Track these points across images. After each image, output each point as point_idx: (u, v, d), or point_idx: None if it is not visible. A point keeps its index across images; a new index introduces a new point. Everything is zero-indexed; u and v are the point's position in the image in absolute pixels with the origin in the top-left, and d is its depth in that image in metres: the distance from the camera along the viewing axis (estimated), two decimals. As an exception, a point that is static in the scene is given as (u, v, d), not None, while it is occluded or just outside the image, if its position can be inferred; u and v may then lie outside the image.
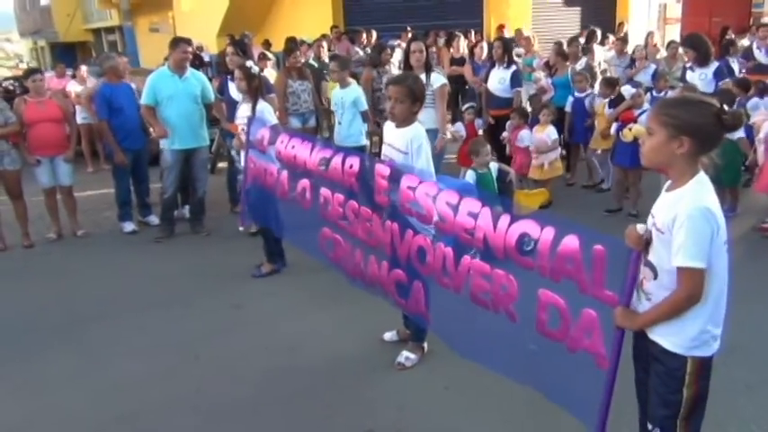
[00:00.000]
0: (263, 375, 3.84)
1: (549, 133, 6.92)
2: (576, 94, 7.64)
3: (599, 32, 11.42)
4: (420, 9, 13.43)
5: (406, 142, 3.55)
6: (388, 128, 3.75)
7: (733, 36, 15.42)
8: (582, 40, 10.10)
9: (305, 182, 3.84)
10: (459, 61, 10.22)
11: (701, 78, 6.62)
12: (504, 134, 7.27)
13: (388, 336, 4.14)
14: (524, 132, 7.02)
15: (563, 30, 14.35)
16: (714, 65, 6.71)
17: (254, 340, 4.26)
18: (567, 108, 7.71)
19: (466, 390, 3.58)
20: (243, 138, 4.81)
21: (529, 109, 7.68)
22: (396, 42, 10.62)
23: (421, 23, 12.22)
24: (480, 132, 7.88)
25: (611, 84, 7.54)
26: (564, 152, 7.71)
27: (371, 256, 3.53)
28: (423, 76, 5.84)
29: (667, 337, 2.21)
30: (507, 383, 3.25)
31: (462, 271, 2.94)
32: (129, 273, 5.62)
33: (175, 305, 4.87)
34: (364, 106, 6.19)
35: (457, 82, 9.81)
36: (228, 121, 6.25)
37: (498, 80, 7.37)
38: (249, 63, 5.98)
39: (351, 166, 3.47)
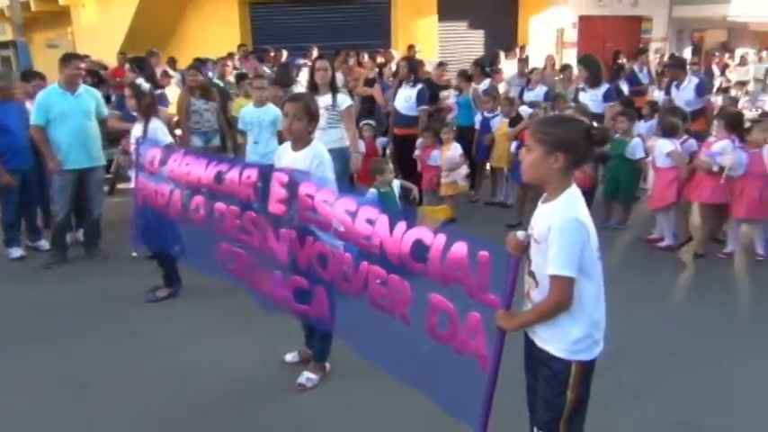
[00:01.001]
0: (158, 404, 3.67)
1: (454, 149, 7.09)
2: (486, 114, 7.87)
3: (502, 54, 11.87)
4: (329, 29, 13.48)
5: (307, 161, 3.53)
6: (285, 151, 3.72)
7: (625, 60, 16.44)
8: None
9: (198, 199, 3.75)
10: (371, 81, 10.33)
11: (591, 99, 6.95)
12: (417, 152, 7.39)
13: (290, 357, 4.06)
14: (436, 152, 7.16)
15: (468, 52, 14.80)
16: (605, 87, 7.06)
17: (148, 368, 4.07)
18: (477, 126, 7.94)
19: (366, 409, 3.56)
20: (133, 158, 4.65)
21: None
22: (302, 61, 10.60)
23: (330, 43, 12.26)
24: (387, 151, 7.99)
25: (511, 102, 7.84)
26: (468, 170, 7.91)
27: (267, 266, 3.50)
28: (329, 96, 5.90)
29: (552, 344, 2.33)
30: (407, 402, 3.27)
31: (361, 276, 2.99)
32: (14, 302, 5.26)
33: (65, 335, 4.59)
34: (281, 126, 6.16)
35: (368, 101, 9.89)
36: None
37: (404, 99, 7.48)
38: (139, 80, 5.80)
39: (248, 177, 3.44)
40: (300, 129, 3.56)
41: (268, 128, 6.13)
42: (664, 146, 5.99)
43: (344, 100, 5.99)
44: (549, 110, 7.45)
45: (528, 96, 9.12)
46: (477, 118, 8.00)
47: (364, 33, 13.61)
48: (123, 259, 5.96)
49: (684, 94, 7.72)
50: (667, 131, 6.11)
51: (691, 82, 7.82)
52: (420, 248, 2.59)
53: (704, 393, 3.66)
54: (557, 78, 10.48)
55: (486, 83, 8.76)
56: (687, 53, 21.01)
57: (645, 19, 19.46)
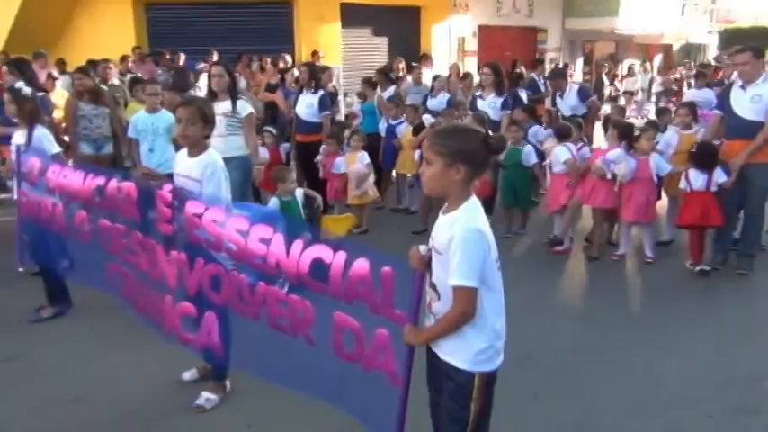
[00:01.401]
0: (41, 435, 3.38)
1: (361, 159, 7.04)
2: (390, 121, 7.88)
3: (403, 63, 11.99)
4: (230, 33, 13.12)
5: (201, 170, 3.38)
6: (181, 158, 3.56)
7: (523, 69, 17.03)
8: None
9: (82, 214, 3.49)
10: (273, 87, 10.12)
11: (490, 107, 7.10)
12: (319, 157, 7.29)
13: (188, 375, 3.86)
14: (340, 160, 7.09)
15: (372, 59, 14.86)
16: (503, 95, 7.23)
17: (31, 395, 3.74)
18: (382, 133, 7.94)
19: (269, 427, 3.43)
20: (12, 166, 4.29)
21: None
22: (202, 65, 10.26)
23: (231, 47, 11.93)
24: (291, 158, 7.85)
25: (416, 110, 7.90)
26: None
27: (155, 290, 3.32)
28: (228, 103, 5.69)
29: (455, 356, 2.30)
30: (311, 418, 3.16)
31: (258, 298, 2.87)
32: None
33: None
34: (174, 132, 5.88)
35: (271, 108, 9.69)
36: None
37: (306, 105, 7.37)
38: (19, 84, 5.38)
39: (128, 194, 3.23)
40: (195, 134, 3.42)
41: (163, 135, 5.87)
42: (561, 153, 6.22)
43: (245, 107, 5.77)
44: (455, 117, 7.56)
45: (431, 104, 9.24)
46: (382, 125, 8.01)
47: (266, 38, 13.35)
48: (7, 276, 5.50)
49: (568, 101, 8.07)
50: (561, 136, 6.35)
51: (572, 89, 8.18)
52: (320, 267, 2.51)
53: (603, 393, 3.78)
54: (460, 87, 10.69)
55: (390, 90, 8.79)
56: (579, 63, 22.12)
57: (540, 30, 20.30)
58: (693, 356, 4.23)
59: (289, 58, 11.58)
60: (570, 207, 6.26)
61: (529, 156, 6.65)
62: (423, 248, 2.33)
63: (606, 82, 20.49)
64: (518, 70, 16.89)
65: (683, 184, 5.69)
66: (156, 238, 3.29)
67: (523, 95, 9.59)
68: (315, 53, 13.12)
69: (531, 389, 3.80)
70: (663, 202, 6.77)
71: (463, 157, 2.20)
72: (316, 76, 7.48)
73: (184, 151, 3.55)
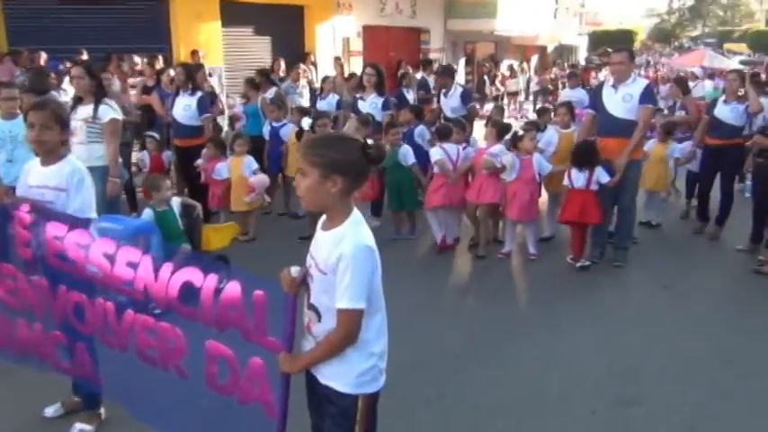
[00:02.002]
0: None
1: (247, 164, 6.75)
2: (274, 123, 7.64)
3: (283, 63, 11.74)
4: (98, 31, 12.25)
5: (63, 178, 3.08)
6: (33, 167, 3.22)
7: (409, 69, 17.21)
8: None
9: None
10: (150, 89, 9.55)
11: (372, 107, 7.03)
12: (199, 161, 6.94)
13: (51, 411, 3.48)
14: (221, 165, 6.77)
15: (254, 59, 14.44)
16: (384, 96, 7.17)
17: None
18: (266, 136, 7.68)
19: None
20: None
21: None
22: (65, 66, 9.51)
23: (101, 46, 11.16)
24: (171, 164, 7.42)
25: (302, 112, 7.70)
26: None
27: (20, 320, 2.97)
28: (90, 107, 5.26)
29: (337, 380, 2.17)
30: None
31: (125, 326, 2.61)
32: None
33: None
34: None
35: (148, 111, 9.14)
36: None
37: (183, 107, 6.99)
38: None
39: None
40: (52, 139, 3.12)
41: (23, 143, 5.31)
42: (434, 154, 6.25)
43: (106, 112, 5.26)
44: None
45: (321, 105, 9.09)
46: (266, 128, 7.75)
47: (141, 37, 12.60)
48: None
49: (451, 102, 8.18)
50: (442, 136, 6.38)
51: (456, 90, 8.32)
52: (190, 291, 2.29)
53: (492, 396, 3.78)
54: (345, 87, 10.60)
55: (271, 91, 8.52)
56: (461, 63, 22.69)
57: (423, 31, 20.62)
58: (576, 353, 4.34)
59: (168, 59, 10.97)
60: (479, 213, 6.34)
61: (406, 156, 6.63)
62: (294, 270, 2.17)
63: (487, 82, 21.20)
64: (403, 70, 17.19)
65: (566, 182, 5.87)
66: (16, 263, 2.94)
67: (409, 96, 9.65)
68: (194, 52, 12.55)
69: (422, 395, 3.74)
70: (543, 199, 6.99)
71: (340, 168, 2.05)
72: (192, 76, 7.11)
73: (36, 161, 3.21)
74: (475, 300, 5.38)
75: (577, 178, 5.77)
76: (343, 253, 2.03)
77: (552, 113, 7.73)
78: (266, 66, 12.30)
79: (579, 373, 4.06)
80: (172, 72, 9.03)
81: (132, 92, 8.64)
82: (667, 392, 3.82)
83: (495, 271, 5.97)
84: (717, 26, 66.56)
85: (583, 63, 30.09)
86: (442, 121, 7.44)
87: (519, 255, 6.33)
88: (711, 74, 16.83)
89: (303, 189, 2.12)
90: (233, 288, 2.20)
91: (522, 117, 17.36)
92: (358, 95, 7.36)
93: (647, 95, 5.71)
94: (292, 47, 15.68)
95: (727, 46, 57.07)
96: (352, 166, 2.07)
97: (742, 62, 38.77)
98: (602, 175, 5.68)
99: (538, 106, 16.33)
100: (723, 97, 6.83)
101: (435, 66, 17.94)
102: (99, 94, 5.28)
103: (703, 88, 13.97)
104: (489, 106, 19.67)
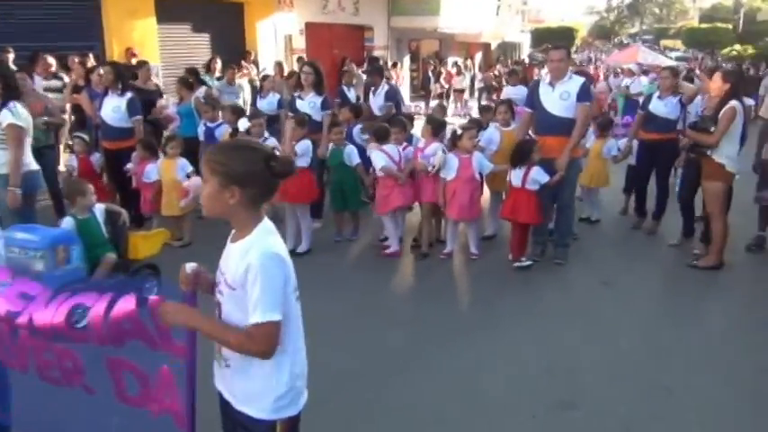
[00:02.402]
0: None
1: (181, 167, 6.49)
2: (208, 123, 7.38)
3: (219, 61, 11.43)
4: (26, 28, 11.69)
5: None
6: None
7: (353, 66, 17.05)
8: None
9: None
10: (80, 89, 9.10)
11: (310, 106, 6.85)
12: (129, 165, 6.64)
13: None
14: (151, 167, 6.49)
15: (192, 57, 14.03)
16: (323, 94, 6.99)
17: None
18: (201, 137, 7.41)
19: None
20: None
21: None
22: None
23: (27, 44, 10.62)
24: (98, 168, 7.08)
25: (236, 112, 7.45)
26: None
27: None
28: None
29: (252, 405, 2.02)
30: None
31: (23, 346, 2.38)
32: None
33: None
34: None
35: (79, 111, 8.74)
36: None
37: (112, 109, 6.67)
38: None
39: None
40: None
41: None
42: (378, 159, 6.11)
43: (5, 117, 4.79)
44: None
45: (261, 105, 8.86)
46: (201, 128, 7.49)
47: (71, 34, 12.07)
48: None
49: (378, 100, 8.10)
50: (380, 137, 6.25)
51: (383, 88, 8.22)
52: (78, 313, 2.11)
53: (433, 402, 3.68)
54: (285, 86, 10.38)
55: (201, 90, 8.23)
56: (406, 61, 22.66)
57: (367, 28, 20.49)
58: (517, 354, 4.29)
59: (101, 57, 10.52)
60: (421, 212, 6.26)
61: (351, 156, 6.49)
62: (189, 267, 2.06)
63: (432, 79, 21.24)
64: (346, 68, 17.03)
65: (509, 179, 5.84)
66: None
67: (350, 94, 9.50)
68: (129, 50, 12.15)
69: (359, 403, 3.61)
70: (486, 196, 6.95)
71: (239, 180, 1.91)
72: (122, 76, 6.79)
73: None
74: (416, 301, 5.28)
75: (515, 176, 5.74)
76: (250, 263, 1.89)
77: (494, 111, 7.69)
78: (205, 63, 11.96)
79: (520, 375, 4.00)
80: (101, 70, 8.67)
81: (50, 95, 8.19)
82: (606, 393, 3.80)
83: (436, 271, 5.89)
84: (653, 23, 68.81)
85: (526, 60, 30.54)
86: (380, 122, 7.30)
87: (461, 254, 6.27)
88: (647, 70, 17.20)
89: (204, 197, 1.98)
90: (127, 302, 2.05)
91: (466, 115, 17.44)
92: (296, 94, 7.14)
93: (585, 93, 5.72)
94: (232, 44, 15.33)
95: (663, 42, 59.04)
96: (254, 177, 1.93)
97: (677, 58, 40.14)
98: (539, 175, 5.65)
99: (482, 103, 16.41)
100: (657, 93, 6.92)
101: (383, 63, 17.98)
102: (7, 96, 4.90)
103: (640, 84, 14.27)
104: (434, 103, 19.87)
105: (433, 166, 5.89)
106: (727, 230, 5.79)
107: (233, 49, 15.16)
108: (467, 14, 22.84)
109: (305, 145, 6.11)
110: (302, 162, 6.06)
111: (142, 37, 12.93)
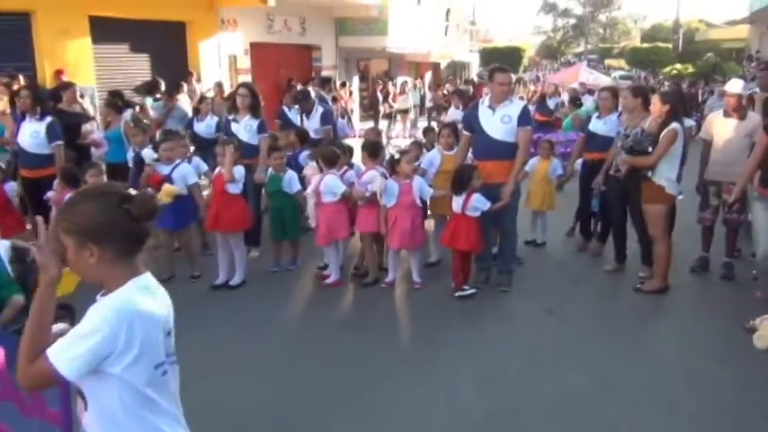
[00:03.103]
0: None
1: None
2: (137, 149, 6.98)
3: (162, 83, 11.05)
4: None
5: None
6: None
7: (299, 86, 16.77)
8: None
9: None
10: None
11: (246, 130, 6.55)
12: (50, 194, 6.22)
13: None
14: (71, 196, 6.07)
15: (132, 78, 13.59)
16: (259, 118, 6.68)
17: None
18: (130, 163, 7.01)
19: None
20: None
21: None
22: None
23: (-47, 66, 10.09)
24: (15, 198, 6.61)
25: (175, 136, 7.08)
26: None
27: None
28: None
29: None
30: None
31: None
32: None
33: None
34: None
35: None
36: None
37: (30, 134, 6.25)
38: None
39: None
40: None
41: None
42: (334, 184, 5.82)
43: None
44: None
45: (198, 128, 8.52)
46: (130, 154, 7.09)
47: (1, 55, 11.53)
48: None
49: (312, 124, 7.90)
50: (329, 162, 5.96)
51: (317, 111, 8.04)
52: None
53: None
54: (225, 108, 10.03)
55: (127, 113, 7.84)
56: (355, 80, 22.54)
57: (314, 48, 20.30)
58: (456, 393, 4.05)
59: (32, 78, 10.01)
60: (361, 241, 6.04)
61: (291, 183, 6.21)
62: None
63: (380, 98, 21.13)
64: (295, 88, 16.74)
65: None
66: None
67: (291, 114, 9.17)
68: (59, 72, 11.64)
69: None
70: (430, 223, 6.76)
71: (92, 235, 1.64)
72: (40, 100, 6.38)
73: None
74: (354, 336, 4.98)
75: (455, 202, 5.54)
76: (97, 305, 1.64)
77: (438, 134, 7.52)
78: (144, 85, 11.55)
79: (460, 419, 3.76)
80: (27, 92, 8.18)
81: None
82: (550, 434, 3.59)
83: (377, 302, 5.64)
84: (598, 43, 70.73)
85: (476, 79, 30.83)
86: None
87: (404, 283, 6.03)
88: (591, 90, 17.39)
89: (69, 263, 1.69)
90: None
91: (410, 136, 17.19)
92: (231, 117, 6.80)
93: (526, 117, 5.59)
94: (174, 65, 14.89)
95: (608, 62, 60.70)
96: (109, 228, 1.65)
97: (621, 77, 41.22)
98: (480, 203, 5.45)
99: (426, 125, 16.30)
100: (597, 113, 6.87)
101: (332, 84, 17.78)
102: None
103: (585, 103, 14.39)
104: (384, 123, 19.74)
105: (372, 193, 5.66)
106: (671, 253, 5.71)
107: (175, 69, 14.71)
108: (415, 34, 22.91)
109: (237, 171, 5.80)
110: (234, 189, 5.77)
111: (76, 57, 12.43)
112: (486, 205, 5.44)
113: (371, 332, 5.01)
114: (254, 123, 6.56)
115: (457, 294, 5.59)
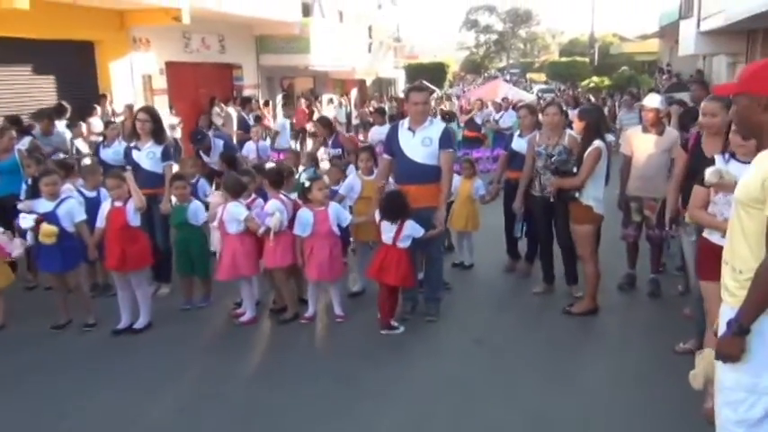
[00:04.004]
0: None
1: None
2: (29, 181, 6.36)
3: (68, 106, 10.34)
4: None
5: None
6: None
7: (221, 105, 16.24)
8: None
9: None
10: None
11: (149, 158, 5.99)
12: None
13: None
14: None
15: (36, 101, 12.69)
16: (163, 143, 6.18)
17: None
18: (22, 196, 6.35)
19: None
20: None
21: None
22: None
23: None
24: None
25: (64, 167, 6.50)
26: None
27: None
28: None
29: None
30: None
31: None
32: None
33: None
34: None
35: None
36: None
37: None
38: None
39: None
40: None
41: None
42: (237, 211, 5.39)
43: None
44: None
45: (105, 154, 7.94)
46: (23, 186, 6.45)
47: None
48: None
49: (213, 158, 7.61)
50: (236, 192, 5.52)
51: (216, 147, 7.81)
52: None
53: None
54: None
55: (25, 141, 7.17)
56: (278, 99, 22.08)
57: (235, 66, 19.73)
58: (381, 443, 3.71)
59: None
60: (275, 276, 5.63)
61: (196, 214, 5.76)
62: None
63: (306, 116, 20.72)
64: (216, 108, 16.16)
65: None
66: None
67: (219, 143, 8.63)
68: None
69: None
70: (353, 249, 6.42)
71: None
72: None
73: None
74: (271, 383, 4.54)
75: (386, 231, 5.17)
76: None
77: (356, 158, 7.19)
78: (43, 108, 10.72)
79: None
80: None
81: None
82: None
83: (296, 341, 5.24)
84: (519, 58, 72.69)
85: (401, 95, 30.85)
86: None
87: (325, 317, 5.65)
88: (514, 105, 17.54)
89: None
90: None
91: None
92: (132, 144, 6.25)
93: (447, 139, 5.37)
94: (83, 87, 14.10)
95: (529, 75, 62.36)
96: None
97: (542, 90, 42.29)
98: (414, 230, 5.13)
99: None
100: (518, 131, 6.72)
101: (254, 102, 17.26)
102: None
103: (510, 118, 14.42)
104: (310, 143, 19.33)
105: (267, 229, 5.27)
106: (599, 272, 5.57)
107: (84, 91, 13.94)
108: (338, 52, 22.67)
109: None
110: (136, 221, 5.28)
111: (-28, 80, 11.52)
112: (420, 232, 5.13)
113: (289, 377, 4.59)
114: (158, 150, 6.07)
115: (383, 332, 5.23)
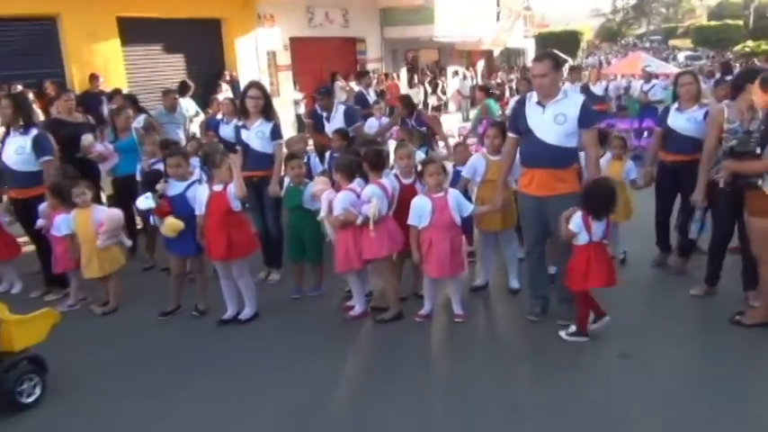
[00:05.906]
0: None
1: (98, 217, 5.39)
2: (151, 160, 6.21)
3: (191, 84, 10.40)
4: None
5: None
6: None
7: (340, 81, 15.92)
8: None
9: None
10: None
11: (258, 137, 5.59)
12: (40, 222, 5.56)
13: None
14: (60, 218, 5.38)
15: (166, 78, 12.97)
16: (273, 122, 5.76)
17: None
18: (138, 176, 6.25)
19: None
20: None
21: None
22: None
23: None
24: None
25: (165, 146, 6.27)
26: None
27: None
28: None
29: None
30: None
31: None
32: None
33: None
34: None
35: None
36: None
37: (15, 150, 5.51)
38: None
39: None
40: None
41: None
42: (345, 198, 4.86)
43: None
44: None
45: (224, 132, 7.73)
46: (138, 166, 6.33)
47: (30, 61, 11.07)
48: None
49: (334, 125, 6.97)
50: (350, 175, 4.98)
51: (337, 111, 7.14)
52: None
53: None
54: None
55: (140, 119, 7.04)
56: (403, 72, 21.55)
57: (359, 40, 19.42)
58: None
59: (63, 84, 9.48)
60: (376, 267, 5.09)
61: (310, 198, 5.31)
62: None
63: (429, 90, 20.06)
64: (338, 82, 15.86)
65: (574, 227, 4.29)
66: None
67: (341, 108, 8.17)
68: (93, 76, 11.03)
69: None
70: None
71: None
72: (24, 111, 5.64)
73: None
74: (378, 390, 4.01)
75: (595, 230, 4.31)
76: None
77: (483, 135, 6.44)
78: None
79: None
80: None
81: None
82: None
83: (409, 341, 4.64)
84: (661, 23, 67.47)
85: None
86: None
87: (443, 316, 5.02)
88: (656, 75, 15.64)
89: None
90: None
91: (459, 136, 15.60)
92: (240, 123, 5.89)
93: (589, 115, 4.47)
94: (210, 64, 14.32)
95: (672, 42, 57.69)
96: None
97: (688, 57, 38.77)
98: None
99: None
100: (676, 105, 5.64)
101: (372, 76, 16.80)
102: None
103: (662, 89, 12.86)
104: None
105: (366, 218, 4.69)
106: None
107: (211, 68, 14.15)
108: (464, 22, 21.71)
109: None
110: (238, 206, 4.90)
111: (105, 61, 11.90)
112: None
113: (398, 387, 4.02)
114: (267, 128, 5.66)
115: (567, 338, 4.54)
